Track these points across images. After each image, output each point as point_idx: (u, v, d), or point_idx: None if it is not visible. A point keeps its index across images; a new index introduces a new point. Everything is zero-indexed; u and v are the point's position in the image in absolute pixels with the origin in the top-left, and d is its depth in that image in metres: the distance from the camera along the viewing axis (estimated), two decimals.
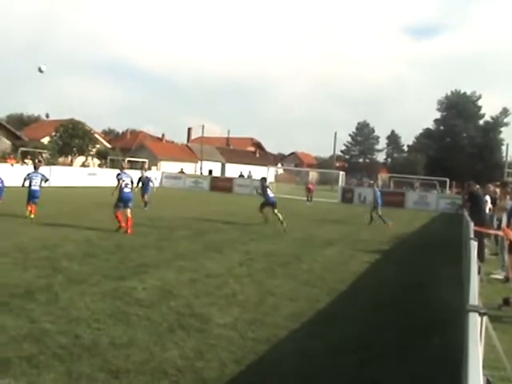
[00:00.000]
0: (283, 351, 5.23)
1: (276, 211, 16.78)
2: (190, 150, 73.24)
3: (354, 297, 7.92)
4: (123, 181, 13.31)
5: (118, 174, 13.56)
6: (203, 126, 70.10)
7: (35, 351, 4.64)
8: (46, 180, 15.62)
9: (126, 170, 14.11)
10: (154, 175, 44.06)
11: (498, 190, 13.45)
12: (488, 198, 13.71)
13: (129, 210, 13.17)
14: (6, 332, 5.07)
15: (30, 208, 14.39)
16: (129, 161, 45.46)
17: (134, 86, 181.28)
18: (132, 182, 13.72)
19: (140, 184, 20.66)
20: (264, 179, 18.43)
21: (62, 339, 4.99)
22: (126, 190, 13.28)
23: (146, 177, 21.54)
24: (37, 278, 7.41)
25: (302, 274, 9.20)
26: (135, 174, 20.30)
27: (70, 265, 8.43)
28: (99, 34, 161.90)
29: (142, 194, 20.56)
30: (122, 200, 13.17)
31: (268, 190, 17.45)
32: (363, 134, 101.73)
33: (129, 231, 12.83)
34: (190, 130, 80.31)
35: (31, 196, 14.65)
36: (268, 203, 17.23)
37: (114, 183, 13.67)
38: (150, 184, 21.51)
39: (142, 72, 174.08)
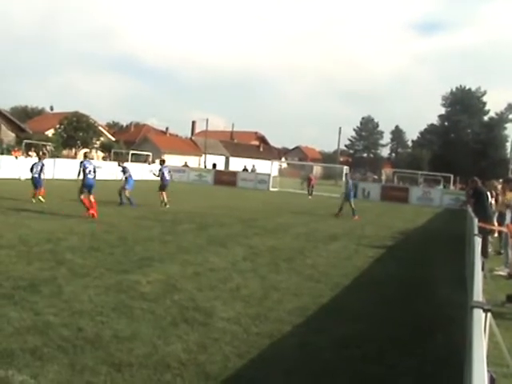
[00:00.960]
0: (287, 346, 5.23)
1: (164, 193, 18.52)
2: (193, 144, 73.16)
3: (358, 292, 7.91)
4: (86, 168, 13.94)
5: (81, 162, 14.27)
6: (207, 120, 69.88)
7: (39, 343, 4.65)
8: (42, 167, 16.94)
9: (90, 160, 14.94)
10: (157, 168, 44.27)
11: (499, 186, 13.37)
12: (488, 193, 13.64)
13: (92, 196, 13.82)
14: (10, 324, 5.08)
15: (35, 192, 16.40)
16: (133, 154, 45.54)
17: (139, 79, 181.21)
18: (95, 170, 14.25)
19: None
20: (163, 161, 20.34)
21: (65, 332, 5.00)
22: (90, 176, 13.98)
23: (124, 167, 18.52)
24: (40, 270, 7.42)
25: (306, 269, 9.19)
26: (137, 167, 20.46)
27: (74, 258, 8.44)
28: (103, 28, 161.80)
29: (120, 190, 17.65)
30: (86, 186, 13.88)
31: (165, 172, 19.02)
32: (367, 129, 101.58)
33: (94, 214, 13.50)
34: (194, 123, 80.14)
35: (32, 183, 16.70)
36: (164, 185, 18.74)
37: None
38: (129, 176, 17.98)
39: (147, 65, 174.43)
